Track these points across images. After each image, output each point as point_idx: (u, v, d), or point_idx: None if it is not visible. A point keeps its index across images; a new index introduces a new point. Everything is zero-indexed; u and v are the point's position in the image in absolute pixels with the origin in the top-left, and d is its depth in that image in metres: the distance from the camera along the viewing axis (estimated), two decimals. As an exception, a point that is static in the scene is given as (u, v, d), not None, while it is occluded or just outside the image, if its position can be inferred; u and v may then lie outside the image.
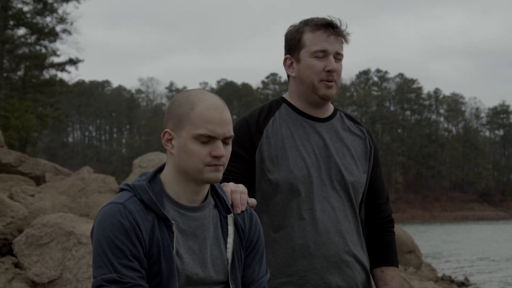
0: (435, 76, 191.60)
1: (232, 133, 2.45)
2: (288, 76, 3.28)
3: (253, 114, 3.23)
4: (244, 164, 3.13)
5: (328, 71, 3.13)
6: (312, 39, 3.14)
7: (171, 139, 2.46)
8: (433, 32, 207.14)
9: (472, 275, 22.85)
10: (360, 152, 3.29)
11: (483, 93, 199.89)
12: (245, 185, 3.05)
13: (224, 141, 2.43)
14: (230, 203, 2.59)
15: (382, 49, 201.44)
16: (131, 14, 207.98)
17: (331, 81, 3.15)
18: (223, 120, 2.42)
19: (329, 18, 3.17)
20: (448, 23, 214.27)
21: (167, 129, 2.46)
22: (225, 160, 2.44)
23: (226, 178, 3.04)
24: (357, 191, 3.21)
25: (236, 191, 2.64)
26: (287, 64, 3.25)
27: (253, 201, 2.71)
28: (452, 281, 19.82)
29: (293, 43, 3.20)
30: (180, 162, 2.43)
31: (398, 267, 3.33)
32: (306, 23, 3.19)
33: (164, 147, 2.49)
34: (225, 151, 2.43)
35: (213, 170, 2.41)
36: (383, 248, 3.31)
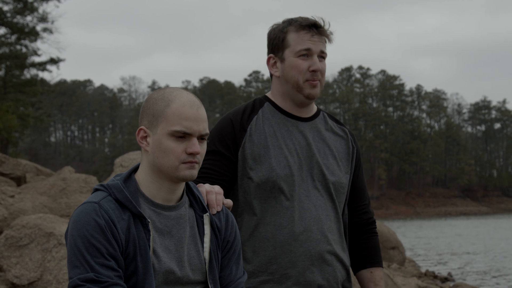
0: (416, 74, 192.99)
1: (207, 131, 2.44)
2: (271, 75, 3.28)
3: (237, 112, 3.23)
4: (226, 162, 3.12)
5: (313, 70, 3.15)
6: (296, 39, 3.16)
7: (146, 137, 2.44)
8: (411, 31, 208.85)
9: (455, 270, 22.94)
10: (343, 153, 3.31)
11: (464, 89, 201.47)
12: (226, 184, 3.10)
13: (200, 139, 2.42)
14: (206, 203, 2.57)
15: (361, 48, 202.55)
16: (108, 16, 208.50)
17: (315, 81, 3.17)
18: (199, 117, 2.41)
19: (313, 18, 3.19)
20: (426, 23, 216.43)
21: (142, 127, 2.45)
22: (200, 158, 2.43)
23: (207, 176, 3.06)
24: (338, 191, 3.22)
25: (211, 192, 2.62)
26: (270, 63, 3.26)
27: (228, 202, 2.70)
28: (435, 276, 19.86)
29: (277, 42, 3.21)
30: (155, 160, 2.41)
31: (382, 267, 3.38)
32: (290, 22, 3.20)
33: (139, 144, 2.48)
34: (201, 149, 2.42)
35: (188, 168, 2.39)
36: (369, 250, 3.35)
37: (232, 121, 3.18)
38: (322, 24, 3.19)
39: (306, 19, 3.19)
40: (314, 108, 3.33)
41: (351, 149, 3.34)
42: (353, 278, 7.14)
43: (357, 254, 3.34)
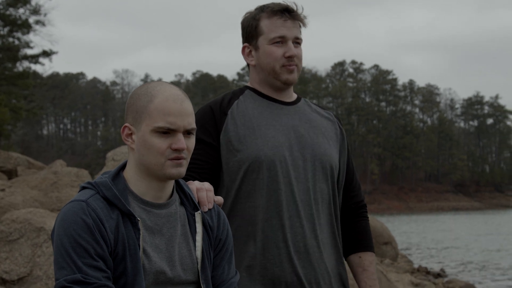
0: (406, 70, 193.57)
1: (194, 125, 2.35)
2: (248, 64, 3.22)
3: (216, 99, 3.18)
4: (208, 150, 3.04)
5: (289, 56, 3.08)
6: (269, 26, 3.09)
7: (131, 134, 2.36)
8: (400, 27, 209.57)
9: (448, 266, 22.96)
10: (331, 133, 3.23)
11: (455, 85, 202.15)
12: (211, 172, 3.01)
13: (186, 134, 2.34)
14: (197, 201, 2.49)
15: (351, 43, 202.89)
16: (98, 10, 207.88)
17: (292, 65, 3.10)
18: (183, 111, 2.32)
19: (285, 3, 3.11)
20: (415, 19, 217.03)
21: (126, 124, 2.37)
22: (188, 154, 2.34)
23: (191, 166, 2.96)
24: (332, 169, 3.14)
25: (202, 189, 2.54)
26: (245, 53, 3.20)
27: (219, 199, 2.62)
28: (428, 272, 19.86)
29: (250, 30, 3.14)
30: (141, 158, 2.33)
31: (374, 252, 3.29)
32: (262, 9, 3.13)
33: (125, 142, 2.40)
34: (188, 144, 2.34)
35: (175, 165, 2.31)
36: (358, 234, 3.26)
37: (212, 107, 3.10)
38: (295, 8, 3.12)
39: (278, 4, 3.11)
40: (294, 95, 3.26)
41: (339, 131, 3.28)
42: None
43: (347, 239, 3.27)
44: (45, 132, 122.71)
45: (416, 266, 21.33)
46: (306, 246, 3.02)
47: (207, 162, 3.02)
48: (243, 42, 3.20)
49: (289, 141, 3.07)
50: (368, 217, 3.32)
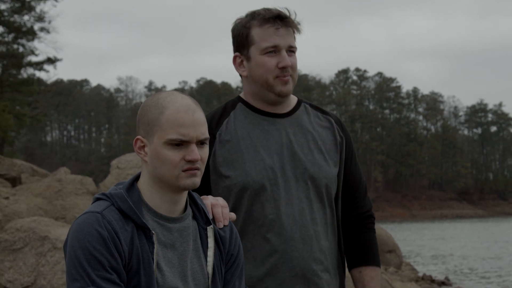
0: (410, 77, 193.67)
1: (207, 135, 2.30)
2: (240, 75, 3.04)
3: (206, 118, 3.05)
4: None
5: (282, 67, 2.89)
6: (261, 35, 2.90)
7: (143, 146, 2.32)
8: (402, 35, 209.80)
9: (452, 274, 22.88)
10: (330, 145, 3.03)
11: (457, 92, 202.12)
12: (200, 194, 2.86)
13: (199, 144, 2.29)
14: (211, 217, 2.45)
15: (353, 50, 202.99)
16: (101, 17, 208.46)
17: (286, 76, 2.91)
18: (195, 122, 2.28)
19: (277, 10, 2.92)
20: (416, 26, 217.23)
21: (139, 136, 2.33)
22: (202, 164, 2.30)
23: None
24: (328, 187, 2.97)
25: (217, 205, 2.48)
26: (237, 63, 3.00)
27: (232, 215, 2.55)
28: (432, 280, 19.81)
29: (241, 40, 2.94)
30: (154, 170, 2.29)
31: (379, 267, 3.09)
32: (252, 16, 2.93)
33: (137, 155, 2.36)
34: (202, 154, 2.29)
35: (189, 176, 2.27)
36: (360, 247, 3.07)
37: None
38: (288, 14, 2.92)
39: (269, 11, 2.91)
40: (293, 101, 3.07)
41: (338, 139, 3.06)
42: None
43: (348, 252, 3.09)
44: (48, 139, 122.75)
45: (420, 274, 21.26)
46: (304, 271, 2.89)
47: None
48: (234, 51, 3.01)
49: (281, 160, 2.92)
50: (373, 228, 3.11)
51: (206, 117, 2.88)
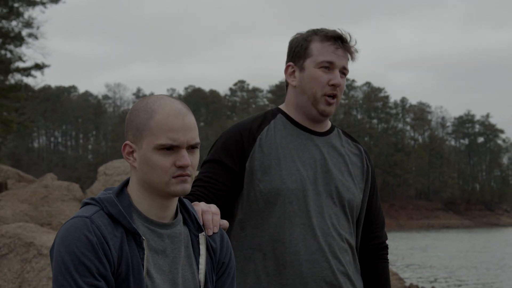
0: (397, 88, 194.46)
1: (197, 140, 2.26)
2: (287, 85, 3.13)
3: (246, 121, 3.08)
4: (227, 173, 2.95)
5: (333, 85, 3.01)
6: (320, 49, 3.02)
7: (132, 152, 2.27)
8: (388, 45, 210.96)
9: (438, 284, 22.90)
10: (358, 171, 3.15)
11: (447, 103, 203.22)
12: (227, 195, 2.92)
13: (190, 149, 2.25)
14: (202, 223, 2.40)
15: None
16: (87, 25, 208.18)
17: (333, 97, 3.03)
18: (186, 126, 2.23)
19: (340, 31, 3.05)
20: (403, 38, 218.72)
21: (127, 142, 2.27)
22: (192, 170, 2.25)
23: (207, 185, 2.90)
24: (353, 209, 3.06)
25: (208, 212, 2.46)
26: (288, 72, 3.11)
27: (224, 223, 2.53)
28: (419, 290, 19.81)
29: (299, 50, 3.06)
30: (144, 176, 2.24)
31: None
32: (315, 32, 3.07)
33: (126, 160, 2.31)
34: (192, 160, 2.24)
35: (180, 182, 2.22)
36: (377, 276, 3.17)
37: (241, 132, 3.00)
38: (349, 39, 3.05)
39: (333, 31, 3.05)
40: (328, 124, 3.19)
41: (366, 167, 3.18)
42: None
43: (365, 281, 3.16)
44: (36, 145, 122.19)
45: (407, 284, 21.27)
46: (333, 282, 2.94)
47: (224, 184, 2.94)
48: (288, 60, 3.11)
49: (314, 175, 2.99)
50: (388, 259, 3.23)
51: (245, 125, 3.01)
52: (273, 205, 2.92)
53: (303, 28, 3.16)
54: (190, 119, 2.26)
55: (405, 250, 43.45)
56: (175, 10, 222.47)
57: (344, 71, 3.05)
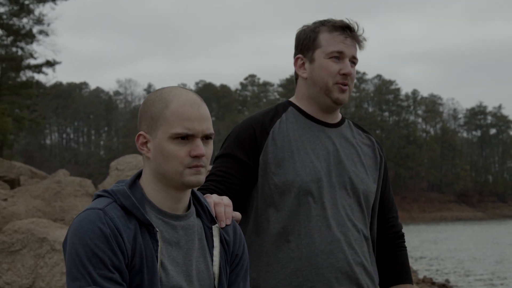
0: (406, 81, 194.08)
1: (212, 130, 2.25)
2: (297, 77, 3.13)
3: (258, 115, 3.07)
4: (241, 167, 2.93)
5: (344, 74, 3.00)
6: (329, 40, 3.01)
7: (146, 142, 2.26)
8: (396, 39, 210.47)
9: (452, 276, 22.84)
10: (370, 161, 3.15)
11: (458, 95, 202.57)
12: (240, 188, 2.91)
13: (204, 139, 2.23)
14: (214, 215, 2.38)
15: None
16: (100, 20, 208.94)
17: (345, 85, 3.02)
18: (201, 116, 2.23)
19: (347, 21, 3.05)
20: (413, 30, 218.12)
21: (141, 132, 2.26)
22: (206, 161, 2.24)
23: (221, 179, 2.89)
24: (368, 200, 3.06)
25: (220, 204, 2.44)
26: (298, 64, 3.10)
27: (237, 214, 2.52)
28: (433, 283, 19.78)
29: (307, 42, 3.05)
30: (157, 166, 2.23)
31: (412, 284, 3.22)
32: (322, 23, 3.06)
33: (140, 151, 2.29)
34: (207, 150, 2.23)
35: (194, 173, 2.21)
36: (398, 265, 3.19)
37: (253, 125, 3.00)
38: (356, 28, 3.05)
39: (341, 20, 3.05)
40: (339, 115, 3.19)
41: (378, 158, 3.19)
42: None
43: (385, 270, 3.17)
44: (48, 141, 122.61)
45: (421, 277, 21.22)
46: (348, 273, 2.93)
47: (238, 178, 2.93)
48: (296, 53, 3.11)
49: (327, 166, 2.99)
50: (406, 247, 3.25)
51: (257, 119, 3.01)
52: (288, 197, 2.91)
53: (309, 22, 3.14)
54: (205, 109, 2.26)
55: (418, 242, 43.36)
56: (181, 7, 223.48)
57: (353, 60, 3.05)
